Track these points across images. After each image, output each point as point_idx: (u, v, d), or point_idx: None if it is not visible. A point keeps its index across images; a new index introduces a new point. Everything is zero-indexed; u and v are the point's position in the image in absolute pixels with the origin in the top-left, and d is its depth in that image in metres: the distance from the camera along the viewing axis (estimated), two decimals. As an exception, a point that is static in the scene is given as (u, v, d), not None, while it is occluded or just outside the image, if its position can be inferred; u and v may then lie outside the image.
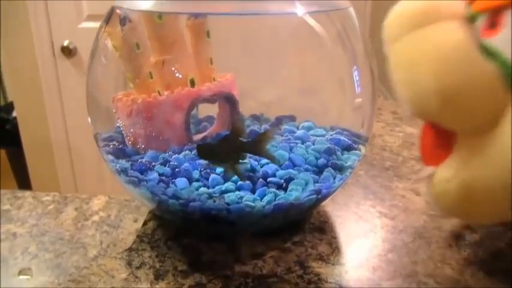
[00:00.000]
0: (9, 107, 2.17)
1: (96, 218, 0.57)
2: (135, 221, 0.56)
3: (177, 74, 0.56)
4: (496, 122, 0.31)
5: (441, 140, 0.36)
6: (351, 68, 0.52)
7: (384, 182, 0.64)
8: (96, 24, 1.78)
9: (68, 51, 1.77)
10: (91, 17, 1.74)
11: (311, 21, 0.49)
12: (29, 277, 0.47)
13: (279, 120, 0.66)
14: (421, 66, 0.33)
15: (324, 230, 0.53)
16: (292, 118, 0.66)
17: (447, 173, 0.35)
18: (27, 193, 0.63)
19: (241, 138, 0.48)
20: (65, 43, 1.77)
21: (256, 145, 0.48)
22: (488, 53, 0.32)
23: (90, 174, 1.92)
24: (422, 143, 0.38)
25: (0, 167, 2.22)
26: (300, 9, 0.48)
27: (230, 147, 0.47)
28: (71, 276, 0.46)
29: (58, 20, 1.76)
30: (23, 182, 2.06)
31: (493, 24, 0.32)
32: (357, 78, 0.51)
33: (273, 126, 0.49)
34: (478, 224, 0.40)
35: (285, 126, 0.61)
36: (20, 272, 0.47)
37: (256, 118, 0.66)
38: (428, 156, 0.38)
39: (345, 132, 0.59)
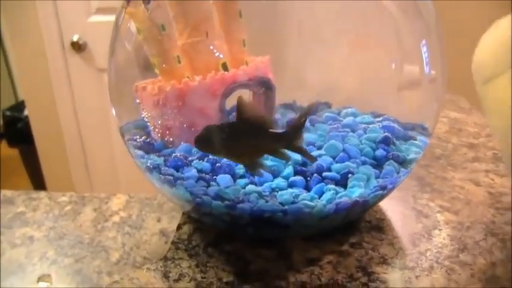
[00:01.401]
0: (21, 105, 2.15)
1: (116, 218, 0.53)
2: (159, 220, 0.51)
3: (216, 52, 0.48)
4: None
5: None
6: (418, 42, 0.44)
7: (437, 172, 0.57)
8: (106, 18, 1.71)
9: (78, 46, 1.72)
10: (101, 11, 1.69)
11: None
12: (48, 284, 0.44)
13: (315, 107, 0.58)
14: None
15: (383, 228, 0.46)
16: (327, 104, 0.59)
17: None
18: (43, 194, 0.60)
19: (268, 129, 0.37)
20: (75, 38, 1.72)
21: (286, 138, 0.38)
22: None
23: (104, 169, 1.89)
24: None
25: (14, 166, 2.21)
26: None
27: (250, 141, 0.38)
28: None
29: (67, 14, 1.72)
30: (36, 180, 2.04)
31: None
32: (427, 54, 0.44)
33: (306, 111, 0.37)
34: None
35: (326, 114, 0.54)
36: (39, 279, 0.44)
37: (289, 106, 0.59)
38: None
39: (391, 119, 0.52)
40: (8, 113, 2.14)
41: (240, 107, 0.36)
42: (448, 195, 0.52)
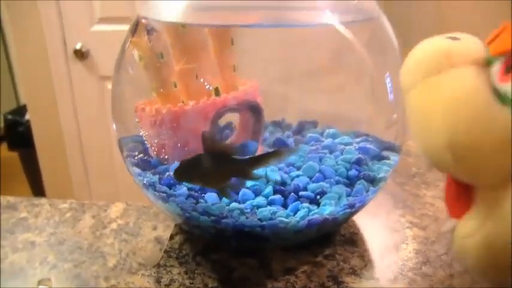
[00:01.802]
0: (23, 109, 2.19)
1: (114, 225, 0.57)
2: (154, 228, 0.55)
3: (205, 85, 0.54)
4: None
5: (462, 192, 0.34)
6: (383, 75, 0.50)
7: (412, 189, 0.62)
8: (108, 27, 1.76)
9: (81, 54, 1.77)
10: (103, 20, 1.74)
11: (340, 28, 0.47)
12: (48, 287, 0.47)
13: (301, 126, 0.64)
14: (431, 118, 0.31)
15: (355, 242, 0.51)
16: (314, 123, 0.64)
17: (467, 228, 0.33)
18: (44, 200, 0.63)
19: (235, 157, 0.44)
20: (78, 46, 1.77)
21: (247, 167, 0.44)
22: (503, 100, 0.29)
23: (103, 175, 1.92)
24: (447, 194, 0.36)
25: (13, 169, 2.25)
26: (329, 19, 0.46)
27: (216, 169, 0.43)
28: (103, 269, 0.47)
29: (71, 23, 1.76)
30: (36, 184, 2.08)
31: (509, 68, 0.29)
32: (390, 85, 0.49)
33: (279, 150, 0.44)
34: (502, 285, 0.37)
35: (310, 134, 0.60)
36: (40, 283, 0.47)
37: (277, 124, 0.65)
38: (452, 208, 0.35)
39: (369, 139, 0.57)
40: (9, 117, 2.18)
41: (204, 140, 0.42)
42: (419, 212, 0.57)
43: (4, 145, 2.32)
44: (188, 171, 0.43)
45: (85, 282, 0.46)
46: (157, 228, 0.55)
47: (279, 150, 0.45)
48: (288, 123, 0.65)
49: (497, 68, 0.30)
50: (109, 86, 1.80)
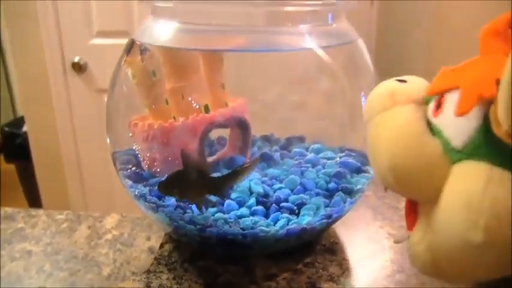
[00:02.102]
0: (20, 121, 2.20)
1: (109, 236, 0.59)
2: (148, 239, 0.58)
3: (193, 104, 0.57)
4: (440, 192, 0.35)
5: (412, 207, 0.40)
6: (359, 94, 0.54)
7: (392, 202, 0.66)
8: (106, 41, 1.80)
9: (79, 67, 1.80)
10: (101, 34, 1.77)
11: (320, 52, 0.51)
12: None
13: (289, 141, 0.68)
14: (379, 146, 0.37)
15: (335, 251, 0.55)
16: (301, 139, 0.68)
17: (416, 237, 0.38)
18: (41, 211, 0.65)
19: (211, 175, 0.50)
20: (76, 59, 1.80)
21: (220, 184, 0.49)
22: (434, 131, 0.35)
23: (99, 188, 1.94)
24: (405, 210, 0.41)
25: (9, 181, 2.26)
26: (309, 43, 0.51)
27: (194, 185, 0.48)
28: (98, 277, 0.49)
29: (69, 36, 1.80)
30: (32, 196, 2.08)
31: (439, 105, 0.36)
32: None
33: (249, 165, 0.50)
34: (453, 284, 0.43)
35: (295, 149, 0.63)
36: None
37: (266, 139, 0.68)
38: (407, 220, 0.41)
39: (353, 154, 0.61)
40: (6, 129, 2.19)
41: (183, 157, 0.47)
42: (397, 224, 0.61)
43: (1, 157, 2.33)
44: (170, 185, 0.48)
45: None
46: (150, 239, 0.58)
47: (245, 167, 0.49)
48: (277, 138, 0.69)
49: (431, 105, 0.36)
50: (106, 98, 1.84)
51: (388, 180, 0.37)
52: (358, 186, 0.54)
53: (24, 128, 2.05)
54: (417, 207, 0.39)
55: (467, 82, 0.34)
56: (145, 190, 0.52)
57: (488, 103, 0.32)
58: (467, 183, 0.33)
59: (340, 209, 0.51)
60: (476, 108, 0.33)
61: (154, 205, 0.50)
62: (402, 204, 0.65)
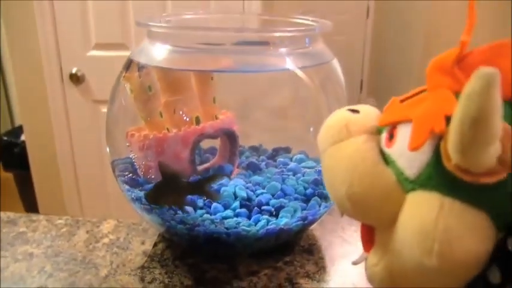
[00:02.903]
0: (18, 130, 2.26)
1: (106, 240, 0.64)
2: (143, 243, 0.63)
3: (184, 117, 0.64)
4: (396, 218, 0.38)
5: (368, 231, 0.43)
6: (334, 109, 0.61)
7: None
8: (103, 53, 1.86)
9: (76, 79, 1.86)
10: (98, 46, 1.83)
11: (298, 72, 0.58)
12: None
13: (276, 152, 0.74)
14: (336, 175, 0.40)
15: (312, 251, 0.62)
16: (287, 150, 0.75)
17: (373, 260, 0.43)
18: (41, 217, 0.70)
19: (185, 180, 0.57)
20: (73, 70, 1.86)
21: (199, 186, 0.56)
22: (387, 161, 0.39)
23: (96, 196, 1.99)
24: (361, 234, 0.45)
25: (7, 189, 2.30)
26: (289, 64, 0.58)
27: (174, 190, 0.56)
28: (96, 278, 0.55)
29: (67, 48, 1.85)
30: (30, 204, 2.13)
31: (391, 136, 0.39)
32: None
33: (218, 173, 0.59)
34: None
35: (279, 159, 0.70)
36: None
37: (255, 149, 0.75)
38: (364, 243, 0.45)
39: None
40: (5, 138, 2.24)
41: (161, 167, 0.55)
42: (371, 227, 0.68)
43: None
44: (156, 196, 0.56)
45: (79, 290, 0.55)
46: (145, 243, 0.63)
47: (215, 175, 0.59)
48: (264, 149, 0.76)
49: (384, 135, 0.40)
50: (103, 109, 1.90)
51: (345, 207, 0.40)
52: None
53: (23, 137, 2.10)
54: (373, 231, 0.42)
55: (419, 117, 0.36)
56: (141, 194, 0.58)
57: (438, 138, 0.35)
58: (421, 212, 0.36)
59: (315, 212, 0.58)
60: (427, 143, 0.35)
61: (148, 207, 0.56)
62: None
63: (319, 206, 0.59)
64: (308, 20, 0.62)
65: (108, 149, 0.65)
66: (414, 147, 0.36)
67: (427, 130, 0.35)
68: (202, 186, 0.55)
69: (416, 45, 2.24)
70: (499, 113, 0.31)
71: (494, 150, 0.32)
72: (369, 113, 0.43)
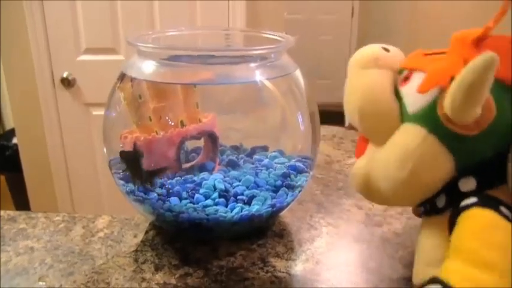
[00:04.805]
0: (9, 134, 2.34)
1: (101, 234, 0.72)
2: (135, 236, 0.71)
3: (169, 121, 0.76)
4: (388, 139, 0.51)
5: (363, 142, 0.56)
6: (296, 113, 0.74)
7: (335, 199, 0.85)
8: (93, 57, 1.97)
9: (67, 82, 1.95)
10: (89, 51, 1.93)
11: (266, 82, 0.70)
12: (46, 283, 0.60)
13: (254, 150, 0.86)
14: (355, 91, 0.52)
15: (282, 235, 0.73)
16: (265, 148, 0.86)
17: (359, 163, 0.55)
18: (40, 214, 0.77)
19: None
20: (65, 74, 1.95)
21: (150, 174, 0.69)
22: (398, 96, 0.51)
23: (88, 197, 2.08)
24: (357, 142, 0.58)
25: (0, 192, 2.37)
26: (258, 76, 0.70)
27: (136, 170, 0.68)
28: (93, 269, 0.65)
29: (58, 53, 1.94)
30: (22, 207, 2.19)
31: (407, 78, 0.52)
32: (301, 120, 0.73)
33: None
34: (378, 203, 0.62)
35: (256, 156, 0.82)
36: (39, 280, 0.60)
37: (235, 148, 0.87)
38: (356, 151, 0.58)
39: (303, 160, 0.80)
40: None
41: (121, 154, 0.68)
42: (336, 216, 0.79)
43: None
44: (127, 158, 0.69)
45: (77, 279, 0.63)
46: (137, 236, 0.71)
47: (161, 168, 0.70)
48: (244, 148, 0.87)
49: (402, 76, 0.52)
50: (93, 112, 1.99)
51: (354, 120, 0.53)
52: (299, 183, 0.73)
53: (14, 140, 2.18)
54: (367, 143, 0.55)
55: (432, 70, 0.48)
56: (134, 187, 0.70)
57: (440, 90, 0.47)
58: (408, 137, 0.49)
59: (282, 200, 0.70)
60: (431, 91, 0.48)
61: (141, 198, 0.68)
62: (343, 200, 0.84)
63: (287, 195, 0.71)
64: (276, 35, 0.74)
65: (105, 150, 0.76)
66: (421, 91, 0.48)
67: (434, 82, 0.47)
68: (151, 176, 0.67)
69: (398, 44, 2.36)
70: (488, 87, 0.43)
71: (475, 113, 0.45)
72: (396, 55, 0.55)
